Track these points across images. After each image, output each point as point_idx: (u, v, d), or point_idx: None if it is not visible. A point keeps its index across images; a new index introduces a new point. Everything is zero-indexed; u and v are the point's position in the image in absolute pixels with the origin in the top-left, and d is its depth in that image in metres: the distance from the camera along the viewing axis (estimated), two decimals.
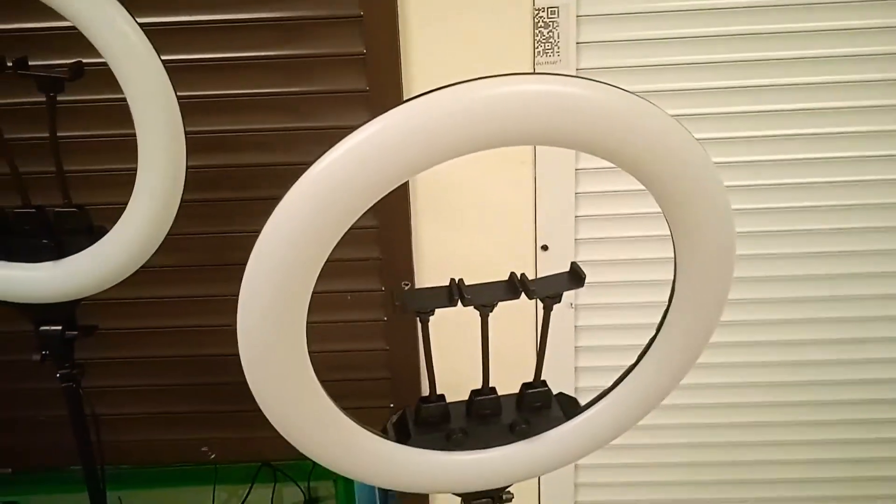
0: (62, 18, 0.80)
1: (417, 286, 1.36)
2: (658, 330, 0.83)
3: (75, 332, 0.96)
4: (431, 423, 0.84)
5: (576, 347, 1.41)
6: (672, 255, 1.36)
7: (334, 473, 1.66)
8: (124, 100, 0.82)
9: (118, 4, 0.79)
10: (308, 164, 0.61)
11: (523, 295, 0.75)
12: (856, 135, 1.28)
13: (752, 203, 1.31)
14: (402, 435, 0.83)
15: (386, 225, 1.30)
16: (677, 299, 0.79)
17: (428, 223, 1.32)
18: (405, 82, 1.21)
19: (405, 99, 0.62)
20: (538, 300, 0.77)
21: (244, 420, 1.48)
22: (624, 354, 1.38)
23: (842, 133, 1.27)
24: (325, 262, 0.64)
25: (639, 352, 1.41)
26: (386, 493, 1.70)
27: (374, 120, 0.61)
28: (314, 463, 1.62)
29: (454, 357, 1.36)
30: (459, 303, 0.74)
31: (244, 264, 0.60)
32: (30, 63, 0.87)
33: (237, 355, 1.39)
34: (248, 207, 1.28)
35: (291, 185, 0.61)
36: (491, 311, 0.76)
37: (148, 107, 0.78)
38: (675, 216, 0.72)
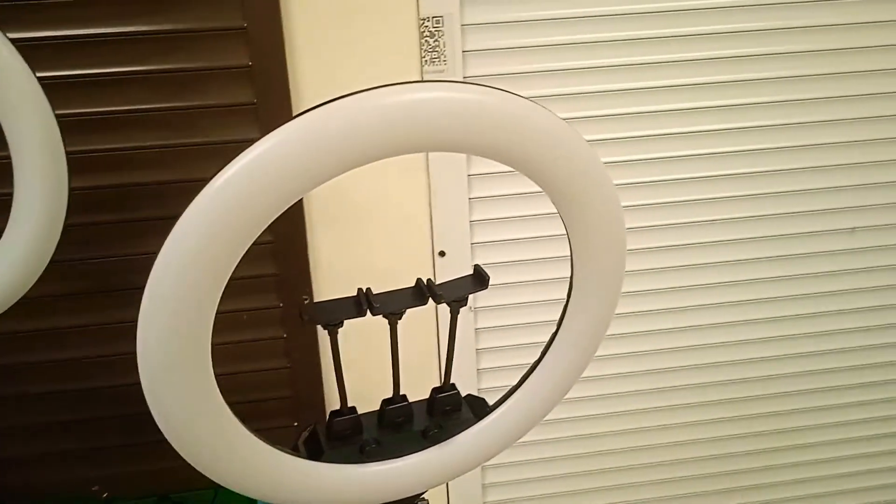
0: None
1: (316, 299, 1.34)
2: (558, 325, 0.85)
3: None
4: (344, 436, 0.83)
5: (477, 350, 1.43)
6: (565, 254, 1.42)
7: (238, 502, 1.61)
8: None
9: None
10: (199, 181, 0.59)
11: (430, 300, 0.76)
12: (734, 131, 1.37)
13: (635, 200, 1.38)
14: (315, 452, 0.82)
15: (281, 239, 1.28)
16: (575, 293, 0.82)
17: (323, 234, 1.31)
18: (293, 93, 1.20)
19: (299, 112, 0.62)
20: (444, 304, 0.77)
21: (136, 453, 1.41)
22: (524, 353, 1.44)
23: (715, 130, 1.37)
24: None
25: (539, 349, 1.46)
26: None
27: (272, 133, 0.60)
28: (216, 492, 1.58)
29: (356, 367, 1.35)
30: (368, 312, 0.73)
31: (134, 288, 0.56)
32: None
33: (123, 385, 1.33)
34: (138, 228, 1.23)
35: (185, 203, 0.59)
36: (399, 319, 0.76)
37: (24, 126, 0.72)
38: (570, 214, 0.75)
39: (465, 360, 1.43)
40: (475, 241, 1.34)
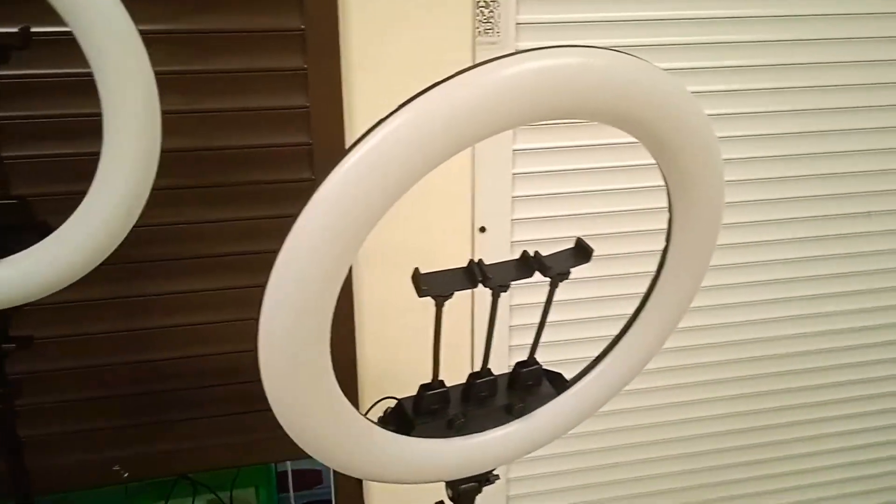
0: None
1: (353, 276, 1.31)
2: (645, 298, 0.85)
3: (12, 346, 0.83)
4: (432, 410, 0.81)
5: (510, 327, 1.43)
6: (605, 231, 1.41)
7: (256, 480, 1.59)
8: (80, 75, 0.71)
9: None
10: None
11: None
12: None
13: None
14: (404, 425, 0.80)
15: None
16: (671, 262, 0.81)
17: None
18: (344, 63, 1.16)
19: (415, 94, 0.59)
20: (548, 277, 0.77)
21: (156, 433, 1.37)
22: (559, 330, 1.43)
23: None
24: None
25: (573, 328, 1.46)
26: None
27: (398, 112, 0.58)
28: (238, 471, 1.55)
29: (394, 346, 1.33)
30: (481, 284, 0.72)
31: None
32: None
33: (143, 362, 1.28)
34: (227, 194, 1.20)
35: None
36: (505, 292, 0.75)
37: (122, 81, 0.68)
38: (678, 179, 0.73)
39: (497, 336, 1.42)
40: (516, 216, 1.33)
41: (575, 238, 0.79)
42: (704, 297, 1.50)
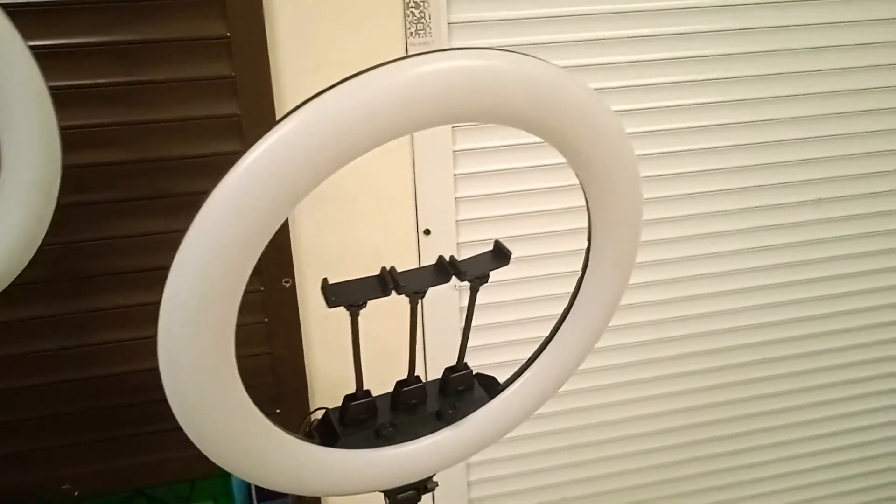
0: None
1: (297, 283, 1.30)
2: (572, 299, 0.84)
3: None
4: (360, 420, 0.80)
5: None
6: (551, 229, 1.40)
7: (215, 492, 1.57)
8: None
9: None
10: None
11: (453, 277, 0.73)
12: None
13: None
14: (329, 437, 0.79)
15: None
16: (592, 264, 0.80)
17: (304, 217, 1.26)
18: (273, 66, 1.14)
19: (315, 93, 0.58)
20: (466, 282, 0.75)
21: (107, 449, 1.35)
22: (509, 330, 1.42)
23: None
24: None
25: (525, 325, 1.45)
26: None
27: (297, 111, 0.57)
28: (192, 485, 1.53)
29: (342, 350, 1.31)
30: (394, 292, 0.71)
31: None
32: None
33: (95, 378, 1.26)
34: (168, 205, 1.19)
35: (206, 181, 0.55)
36: (422, 298, 0.74)
37: (17, 93, 0.65)
38: (591, 179, 0.73)
39: (449, 338, 1.41)
40: (460, 217, 1.32)
41: (493, 240, 0.78)
42: (664, 290, 1.50)
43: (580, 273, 0.82)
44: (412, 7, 1.14)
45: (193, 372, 0.62)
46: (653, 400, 1.60)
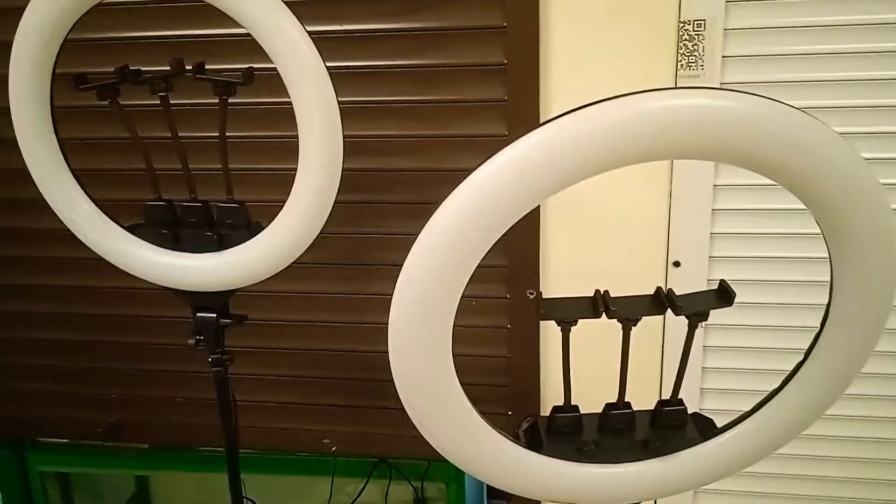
0: (237, 26, 0.86)
1: (544, 296, 1.36)
2: (806, 356, 0.79)
3: (229, 321, 1.03)
4: (564, 433, 0.84)
5: (703, 368, 1.37)
6: (812, 278, 1.30)
7: (447, 476, 1.69)
8: (288, 103, 0.86)
9: (289, 13, 0.83)
10: (452, 172, 0.64)
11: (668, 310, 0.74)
12: None
13: None
14: (534, 443, 0.84)
15: (514, 232, 1.30)
16: (832, 322, 0.75)
17: (556, 233, 1.32)
18: (543, 93, 1.22)
19: (555, 115, 0.63)
20: (682, 317, 0.75)
21: (366, 416, 1.53)
22: (753, 378, 1.34)
23: None
24: None
25: (770, 376, 1.36)
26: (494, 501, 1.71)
27: (535, 131, 0.63)
28: (429, 463, 1.67)
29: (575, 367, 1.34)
30: (604, 314, 0.74)
31: (383, 265, 0.61)
32: (206, 67, 0.93)
33: (368, 352, 1.45)
34: (390, 210, 1.34)
35: (434, 191, 0.64)
36: (634, 325, 0.75)
37: (311, 110, 0.82)
38: (835, 235, 0.69)
39: (689, 376, 1.36)
40: (714, 254, 1.28)
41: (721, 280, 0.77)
42: None
43: (819, 328, 0.77)
44: (685, 40, 1.14)
45: (417, 362, 0.71)
46: None
